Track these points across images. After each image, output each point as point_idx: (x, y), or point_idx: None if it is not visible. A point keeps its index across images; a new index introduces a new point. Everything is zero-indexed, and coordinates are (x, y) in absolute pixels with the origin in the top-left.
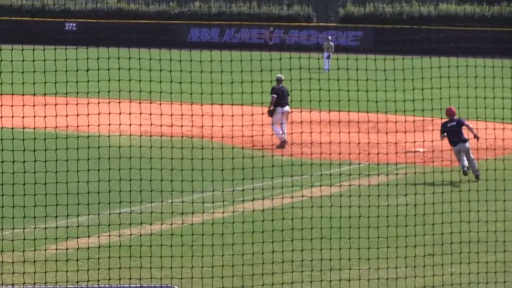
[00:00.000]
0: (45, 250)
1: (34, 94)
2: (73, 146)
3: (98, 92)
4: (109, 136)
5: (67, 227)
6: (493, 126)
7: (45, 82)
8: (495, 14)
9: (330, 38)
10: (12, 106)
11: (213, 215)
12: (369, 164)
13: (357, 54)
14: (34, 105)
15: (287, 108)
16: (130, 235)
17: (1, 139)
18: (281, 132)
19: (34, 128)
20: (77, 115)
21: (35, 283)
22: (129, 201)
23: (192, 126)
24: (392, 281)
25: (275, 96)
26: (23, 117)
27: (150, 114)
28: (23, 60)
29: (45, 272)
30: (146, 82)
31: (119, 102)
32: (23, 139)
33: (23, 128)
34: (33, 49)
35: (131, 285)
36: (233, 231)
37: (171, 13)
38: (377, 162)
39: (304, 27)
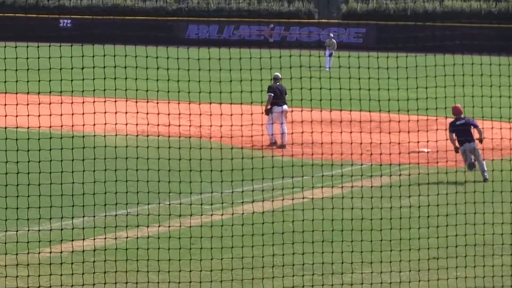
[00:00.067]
0: (39, 253)
1: (27, 93)
2: (68, 146)
3: (94, 90)
4: (104, 136)
5: (62, 229)
6: (499, 126)
7: (39, 81)
8: (502, 10)
9: (332, 35)
10: (5, 105)
11: (211, 217)
12: (371, 165)
13: (360, 51)
14: (27, 104)
15: (285, 107)
16: (127, 237)
17: None
18: (271, 133)
19: (28, 127)
20: (72, 114)
21: (28, 287)
22: (125, 202)
23: (190, 125)
24: (396, 285)
25: (272, 94)
26: (17, 116)
27: (147, 113)
28: (16, 58)
29: (39, 275)
30: (143, 81)
31: (115, 101)
32: (17, 139)
33: (17, 127)
34: (27, 46)
35: None
36: (232, 234)
37: (169, 9)
38: (379, 162)
39: (305, 24)
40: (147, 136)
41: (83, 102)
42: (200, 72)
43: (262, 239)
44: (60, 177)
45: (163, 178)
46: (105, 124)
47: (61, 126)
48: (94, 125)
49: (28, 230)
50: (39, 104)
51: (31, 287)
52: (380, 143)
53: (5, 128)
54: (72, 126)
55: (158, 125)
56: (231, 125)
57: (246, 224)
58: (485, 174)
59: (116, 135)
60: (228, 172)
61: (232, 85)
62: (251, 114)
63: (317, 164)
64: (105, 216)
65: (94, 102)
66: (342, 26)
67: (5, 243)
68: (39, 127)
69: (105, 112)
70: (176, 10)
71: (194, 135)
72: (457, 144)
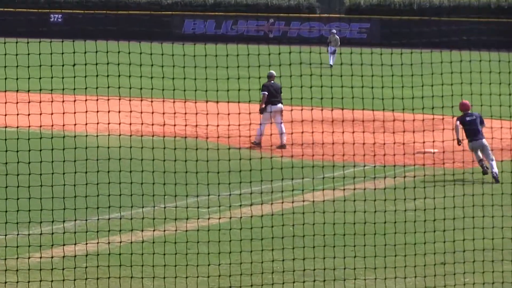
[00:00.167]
0: (29, 258)
1: (17, 91)
2: (59, 146)
3: (85, 88)
4: (97, 135)
5: (52, 233)
6: (509, 125)
7: (28, 78)
8: None
9: (334, 31)
10: None
11: (208, 221)
12: (375, 166)
13: (364, 47)
14: (17, 102)
15: (279, 106)
16: (120, 242)
17: None
18: (260, 134)
19: (17, 127)
20: (63, 113)
21: None
22: (119, 205)
23: (185, 125)
24: None
25: (266, 93)
26: (5, 115)
27: (141, 112)
28: (5, 54)
29: (29, 281)
30: (137, 78)
31: (108, 100)
32: (5, 139)
33: (5, 127)
34: (16, 42)
35: None
36: (230, 239)
37: (164, 4)
38: (383, 164)
39: (306, 19)
40: (141, 136)
41: (74, 101)
42: (196, 69)
43: (261, 244)
44: (51, 178)
45: (158, 180)
46: (98, 123)
47: (52, 125)
48: (86, 124)
49: (18, 234)
50: (29, 102)
51: None
52: (384, 144)
53: None
54: (63, 125)
55: (152, 124)
56: (229, 125)
57: (244, 228)
58: (494, 171)
59: (109, 135)
60: (225, 173)
61: (230, 83)
62: (249, 113)
63: (318, 166)
64: (98, 219)
65: (86, 100)
66: (345, 21)
67: None
68: (29, 126)
69: (97, 111)
70: (171, 4)
71: (190, 135)
72: (461, 137)
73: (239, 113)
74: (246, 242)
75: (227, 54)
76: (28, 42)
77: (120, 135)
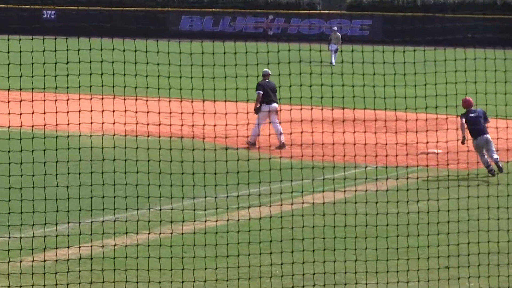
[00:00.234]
0: (20, 262)
1: (8, 89)
2: (52, 146)
3: (79, 87)
4: (91, 136)
5: (45, 236)
6: None
7: (20, 76)
8: None
9: (335, 28)
10: None
11: (205, 223)
12: (376, 167)
13: (366, 45)
14: (8, 101)
15: (274, 105)
16: (114, 245)
17: None
18: (257, 134)
19: (9, 126)
20: (56, 112)
21: None
22: (113, 208)
23: (181, 125)
24: None
25: (261, 92)
26: None
27: (136, 112)
28: None
29: (20, 286)
30: (131, 77)
31: (102, 98)
32: None
33: None
34: (8, 39)
35: None
36: (227, 242)
37: (159, 0)
38: (385, 165)
39: (306, 15)
40: (136, 136)
41: (67, 100)
42: (192, 67)
43: (259, 247)
44: (43, 180)
45: (153, 181)
46: (91, 123)
47: (44, 125)
48: (79, 124)
49: (9, 237)
50: (21, 101)
51: None
52: (386, 144)
53: None
54: (56, 125)
55: (147, 124)
56: (226, 125)
57: (242, 231)
58: (495, 157)
59: (103, 135)
60: (222, 175)
61: (227, 82)
62: (247, 112)
63: (318, 167)
64: (92, 222)
65: (79, 99)
66: (346, 17)
67: None
68: (21, 126)
69: (91, 110)
70: (167, 1)
71: (187, 135)
72: (467, 135)
73: (237, 113)
74: (244, 246)
75: (225, 52)
76: (20, 39)
77: (114, 135)
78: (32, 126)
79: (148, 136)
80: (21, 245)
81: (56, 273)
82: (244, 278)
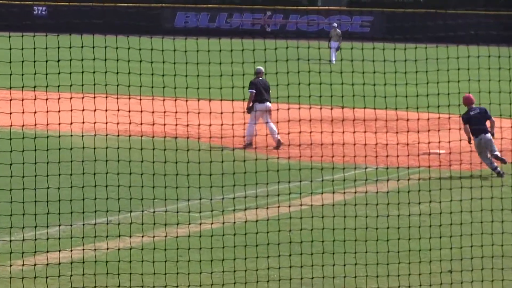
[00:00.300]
0: (10, 266)
1: None
2: (42, 147)
3: (71, 85)
4: (82, 135)
5: (35, 239)
6: None
7: (10, 74)
8: None
9: (336, 25)
10: None
11: (200, 226)
12: (377, 168)
13: (366, 42)
14: None
15: (267, 104)
16: (107, 249)
17: None
18: (253, 133)
19: None
20: (47, 111)
21: None
22: (105, 210)
23: (176, 124)
24: None
25: (254, 91)
26: None
27: (129, 111)
28: None
29: None
30: (125, 75)
31: (94, 97)
32: None
33: None
34: None
35: None
36: (223, 245)
37: None
38: (386, 165)
39: (304, 12)
40: (129, 136)
41: (59, 99)
42: (187, 65)
43: (256, 251)
44: (33, 181)
45: (147, 183)
46: (83, 122)
47: (35, 125)
48: (71, 124)
49: None
50: (11, 100)
51: None
52: (387, 144)
53: None
54: (47, 125)
55: (141, 124)
56: (222, 124)
57: (238, 234)
58: (496, 153)
59: (95, 135)
60: (218, 176)
61: (223, 80)
62: (243, 112)
63: (316, 168)
64: (83, 225)
65: (71, 98)
66: (346, 14)
67: None
68: (11, 125)
69: (83, 110)
70: None
71: (181, 135)
72: (471, 136)
73: (233, 112)
74: (240, 249)
75: (220, 49)
76: (10, 36)
77: (107, 135)
78: (23, 125)
79: (141, 136)
80: (11, 248)
81: (47, 277)
82: (240, 283)
